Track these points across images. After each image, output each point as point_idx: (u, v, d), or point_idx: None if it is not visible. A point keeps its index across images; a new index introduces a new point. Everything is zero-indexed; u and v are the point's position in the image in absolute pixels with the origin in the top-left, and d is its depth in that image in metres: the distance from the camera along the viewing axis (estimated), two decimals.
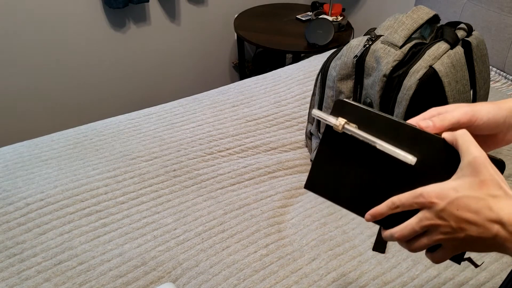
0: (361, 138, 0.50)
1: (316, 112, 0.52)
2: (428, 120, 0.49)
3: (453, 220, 0.43)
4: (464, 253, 0.48)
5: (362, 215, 0.53)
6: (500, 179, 0.42)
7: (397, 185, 0.49)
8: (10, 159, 1.07)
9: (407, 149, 0.48)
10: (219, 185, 1.02)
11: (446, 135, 0.46)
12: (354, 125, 0.51)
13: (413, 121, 0.50)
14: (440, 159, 0.47)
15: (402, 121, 0.49)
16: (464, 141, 0.44)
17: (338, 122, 0.51)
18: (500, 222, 0.41)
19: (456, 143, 0.45)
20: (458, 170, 0.44)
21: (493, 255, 0.85)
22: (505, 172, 1.05)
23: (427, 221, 0.45)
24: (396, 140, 0.49)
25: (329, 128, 0.53)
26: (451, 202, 0.43)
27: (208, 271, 0.82)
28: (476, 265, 0.50)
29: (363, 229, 0.91)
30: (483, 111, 0.48)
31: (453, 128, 0.48)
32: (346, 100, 0.52)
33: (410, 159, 0.47)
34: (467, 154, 0.43)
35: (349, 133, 0.51)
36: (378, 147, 0.49)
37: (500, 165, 0.45)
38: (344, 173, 0.53)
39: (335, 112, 0.52)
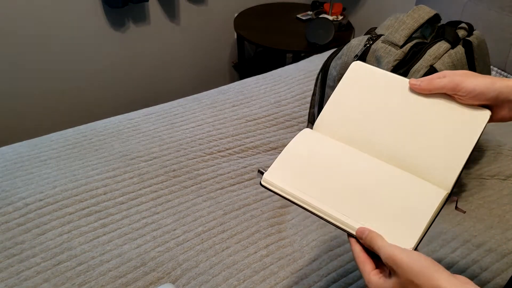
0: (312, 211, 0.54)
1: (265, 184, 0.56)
2: (419, 80, 0.57)
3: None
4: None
5: None
6: (413, 274, 0.43)
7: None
8: (9, 159, 1.06)
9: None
10: (219, 185, 1.01)
11: (360, 236, 0.50)
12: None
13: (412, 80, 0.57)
14: None
15: (324, 217, 0.52)
16: (377, 248, 0.47)
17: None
18: None
19: (371, 247, 0.48)
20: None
21: (495, 255, 0.85)
22: (506, 172, 1.04)
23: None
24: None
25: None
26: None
27: (208, 272, 0.82)
28: (463, 211, 0.56)
29: None
30: (470, 83, 0.53)
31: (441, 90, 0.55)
32: (266, 185, 0.55)
33: (356, 227, 0.51)
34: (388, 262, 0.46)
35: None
36: (326, 219, 0.53)
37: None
38: None
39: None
